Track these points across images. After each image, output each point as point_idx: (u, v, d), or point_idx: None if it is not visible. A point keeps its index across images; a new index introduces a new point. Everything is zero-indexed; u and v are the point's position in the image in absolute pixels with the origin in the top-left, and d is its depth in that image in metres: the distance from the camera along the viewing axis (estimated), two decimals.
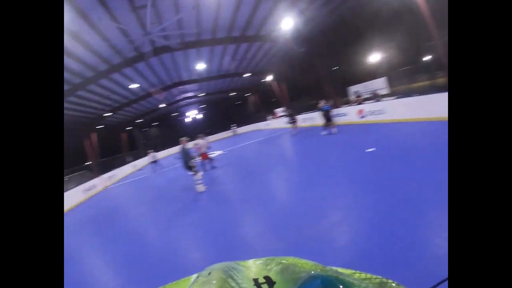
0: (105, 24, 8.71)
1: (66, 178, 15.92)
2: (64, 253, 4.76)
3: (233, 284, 0.49)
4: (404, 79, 14.06)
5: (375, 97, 13.51)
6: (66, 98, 12.60)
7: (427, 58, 13.96)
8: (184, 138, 7.17)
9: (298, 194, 4.92)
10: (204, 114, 33.39)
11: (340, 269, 0.56)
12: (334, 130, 11.02)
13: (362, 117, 12.01)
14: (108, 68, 12.25)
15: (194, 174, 6.95)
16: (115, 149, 26.12)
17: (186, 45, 12.72)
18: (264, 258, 0.65)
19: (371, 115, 11.42)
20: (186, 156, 6.86)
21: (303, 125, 17.13)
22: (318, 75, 16.62)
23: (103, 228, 6.45)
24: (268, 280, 0.51)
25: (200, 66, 16.08)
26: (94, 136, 19.59)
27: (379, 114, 10.88)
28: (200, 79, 19.98)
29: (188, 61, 15.49)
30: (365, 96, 14.63)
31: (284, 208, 4.39)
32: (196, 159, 7.54)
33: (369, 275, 0.53)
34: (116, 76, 13.64)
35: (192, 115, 31.58)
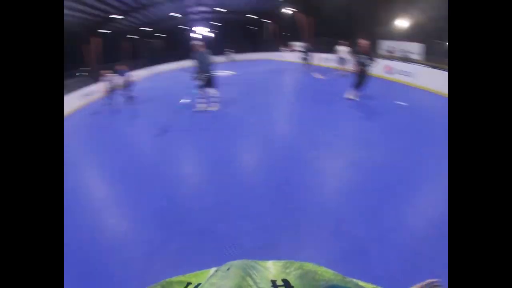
0: None
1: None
2: None
3: (251, 282, 0.47)
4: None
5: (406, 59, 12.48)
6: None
7: None
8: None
9: None
10: (216, 33, 30.03)
11: (360, 283, 0.54)
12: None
13: (388, 73, 11.13)
14: None
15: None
16: (116, 57, 24.64)
17: None
18: (284, 261, 0.64)
19: (398, 74, 10.62)
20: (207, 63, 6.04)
21: (319, 64, 15.89)
22: (352, 16, 14.80)
23: None
24: (286, 283, 0.49)
25: None
26: (96, 41, 18.21)
27: (406, 76, 10.16)
28: None
29: None
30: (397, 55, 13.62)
31: None
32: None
33: None
34: None
35: (203, 32, 28.26)
